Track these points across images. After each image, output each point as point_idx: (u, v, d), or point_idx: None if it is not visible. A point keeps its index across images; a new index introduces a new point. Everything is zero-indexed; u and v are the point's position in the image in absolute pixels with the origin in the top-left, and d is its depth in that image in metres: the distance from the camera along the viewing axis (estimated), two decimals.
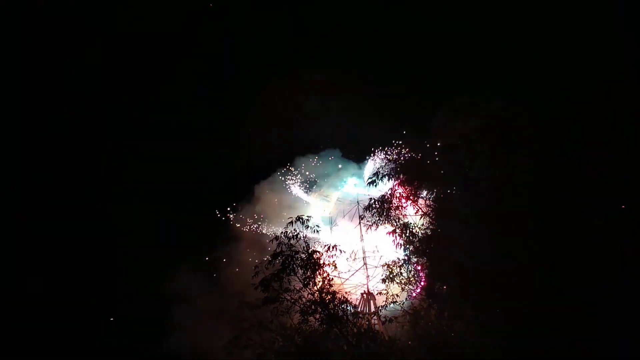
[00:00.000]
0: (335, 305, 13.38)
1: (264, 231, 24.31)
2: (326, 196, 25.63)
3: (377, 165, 24.15)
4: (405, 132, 21.37)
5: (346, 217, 23.31)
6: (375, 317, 16.44)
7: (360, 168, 25.62)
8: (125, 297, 22.56)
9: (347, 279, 20.44)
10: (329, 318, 13.17)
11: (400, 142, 21.10)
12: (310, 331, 13.38)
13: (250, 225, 24.62)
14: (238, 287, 19.70)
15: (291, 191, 25.77)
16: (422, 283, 15.82)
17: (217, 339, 16.55)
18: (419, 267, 15.71)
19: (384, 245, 21.24)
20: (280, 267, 13.30)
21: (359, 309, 18.11)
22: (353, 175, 25.89)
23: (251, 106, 30.00)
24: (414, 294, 16.17)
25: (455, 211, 14.03)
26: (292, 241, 13.70)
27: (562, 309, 11.38)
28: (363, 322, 14.03)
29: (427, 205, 15.46)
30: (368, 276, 21.62)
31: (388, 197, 15.38)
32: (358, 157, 25.80)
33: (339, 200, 24.58)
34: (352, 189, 25.25)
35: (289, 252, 13.50)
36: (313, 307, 13.30)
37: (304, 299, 13.39)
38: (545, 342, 11.32)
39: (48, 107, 27.85)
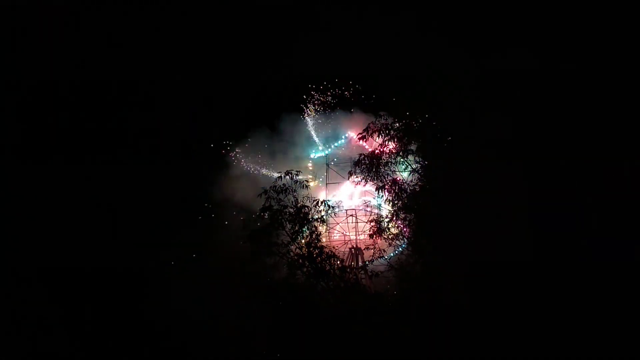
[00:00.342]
0: (322, 260, 13.41)
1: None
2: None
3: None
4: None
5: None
6: (362, 272, 16.57)
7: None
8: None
9: (328, 238, 20.56)
10: (316, 272, 13.23)
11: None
12: (298, 285, 13.44)
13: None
14: (226, 247, 19.61)
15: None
16: (407, 232, 15.85)
17: (204, 294, 16.54)
18: (401, 223, 15.73)
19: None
20: (269, 221, 13.24)
21: (346, 264, 18.23)
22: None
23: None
24: (401, 249, 16.30)
25: (445, 169, 13.97)
26: (280, 195, 13.60)
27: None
28: (350, 276, 14.12)
29: (417, 162, 15.35)
30: (356, 231, 21.76)
31: (378, 153, 15.21)
32: None
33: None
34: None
35: (277, 207, 13.43)
36: (300, 261, 13.33)
37: (291, 253, 13.42)
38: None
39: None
